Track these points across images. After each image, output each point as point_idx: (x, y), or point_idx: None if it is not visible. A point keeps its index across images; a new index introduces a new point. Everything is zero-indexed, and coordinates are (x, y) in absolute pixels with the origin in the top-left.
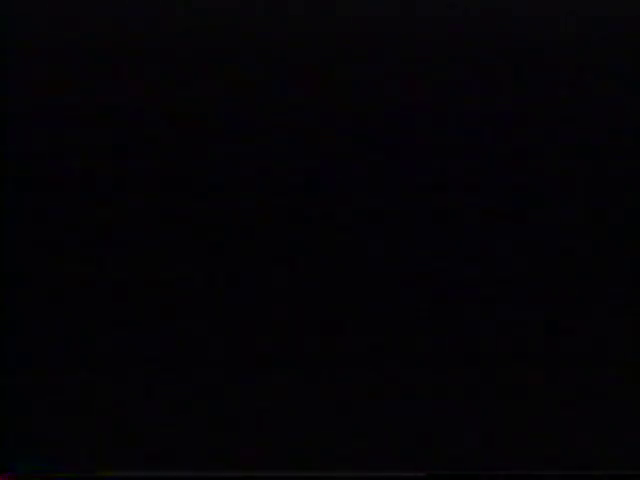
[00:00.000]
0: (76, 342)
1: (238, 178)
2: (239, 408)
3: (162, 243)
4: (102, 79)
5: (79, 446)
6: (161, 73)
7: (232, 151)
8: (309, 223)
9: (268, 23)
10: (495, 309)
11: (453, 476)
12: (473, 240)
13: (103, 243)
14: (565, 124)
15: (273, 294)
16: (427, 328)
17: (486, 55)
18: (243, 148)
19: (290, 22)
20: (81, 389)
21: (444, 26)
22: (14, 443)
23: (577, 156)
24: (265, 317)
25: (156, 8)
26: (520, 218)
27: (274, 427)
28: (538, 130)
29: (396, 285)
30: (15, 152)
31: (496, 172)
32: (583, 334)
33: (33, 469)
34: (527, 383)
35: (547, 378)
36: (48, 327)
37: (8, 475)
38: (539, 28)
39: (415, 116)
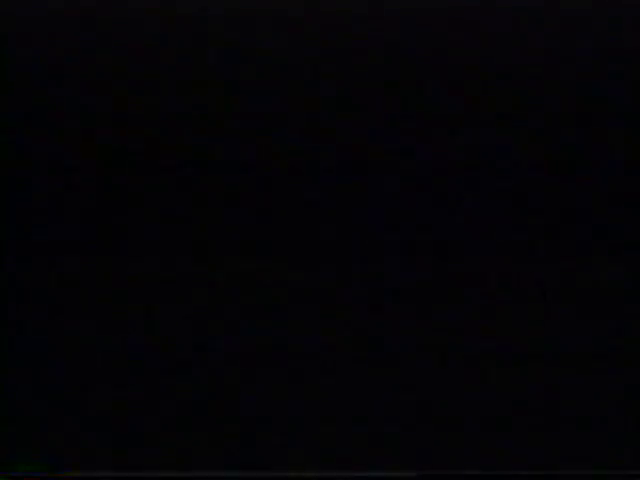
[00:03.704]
0: (76, 342)
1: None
2: (236, 407)
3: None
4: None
5: (79, 446)
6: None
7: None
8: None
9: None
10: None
11: (444, 476)
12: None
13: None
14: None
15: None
16: (426, 327)
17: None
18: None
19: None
20: (81, 389)
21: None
22: (14, 443)
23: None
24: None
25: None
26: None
27: (268, 429)
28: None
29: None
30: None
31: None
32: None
33: (33, 470)
34: (527, 384)
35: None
36: (47, 328)
37: (7, 475)
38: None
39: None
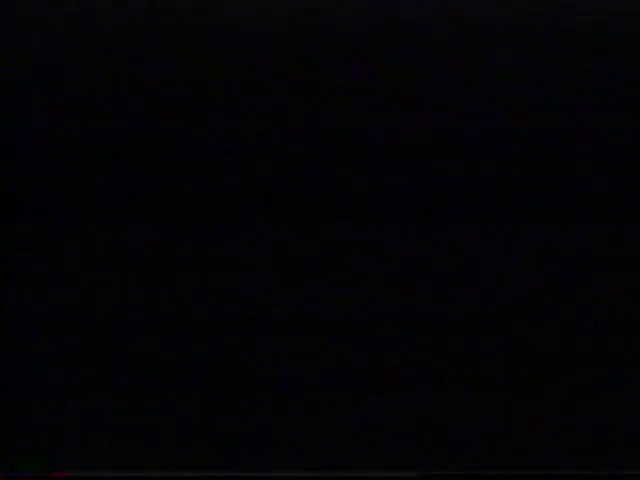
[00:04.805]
0: (76, 342)
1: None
2: (237, 407)
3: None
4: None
5: (79, 446)
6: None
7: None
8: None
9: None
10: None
11: (445, 476)
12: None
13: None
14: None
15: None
16: (425, 327)
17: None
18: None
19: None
20: (81, 390)
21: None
22: (15, 444)
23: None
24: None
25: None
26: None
27: (270, 429)
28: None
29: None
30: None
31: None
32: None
33: (34, 469)
34: (526, 384)
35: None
36: (48, 329)
37: (5, 475)
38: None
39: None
